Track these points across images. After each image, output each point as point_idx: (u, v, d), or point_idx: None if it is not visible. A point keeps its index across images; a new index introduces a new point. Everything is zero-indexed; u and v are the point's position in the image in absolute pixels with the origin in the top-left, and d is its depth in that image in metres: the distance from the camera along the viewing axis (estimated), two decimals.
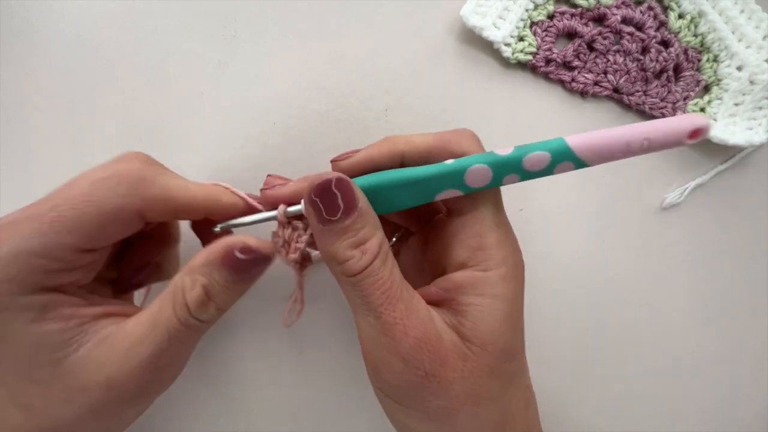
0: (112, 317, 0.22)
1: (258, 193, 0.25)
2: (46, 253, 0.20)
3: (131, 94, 0.33)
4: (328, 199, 0.21)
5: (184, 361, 0.25)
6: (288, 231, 0.23)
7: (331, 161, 0.24)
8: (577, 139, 0.20)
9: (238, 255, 0.21)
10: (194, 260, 0.22)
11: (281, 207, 0.23)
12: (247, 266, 0.22)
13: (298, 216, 0.23)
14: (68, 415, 0.21)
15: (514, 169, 0.21)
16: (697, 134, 0.18)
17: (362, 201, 0.21)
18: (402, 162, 0.23)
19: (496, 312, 0.22)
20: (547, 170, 0.21)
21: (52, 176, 0.33)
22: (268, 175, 0.25)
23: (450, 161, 0.22)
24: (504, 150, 0.21)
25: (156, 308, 0.22)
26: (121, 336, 0.21)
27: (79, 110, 0.33)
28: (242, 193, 0.25)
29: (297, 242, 0.23)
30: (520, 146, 0.21)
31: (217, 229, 0.24)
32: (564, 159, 0.20)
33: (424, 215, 0.28)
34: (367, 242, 0.21)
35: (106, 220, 0.21)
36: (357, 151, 0.23)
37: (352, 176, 0.22)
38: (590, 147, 0.20)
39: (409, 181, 0.22)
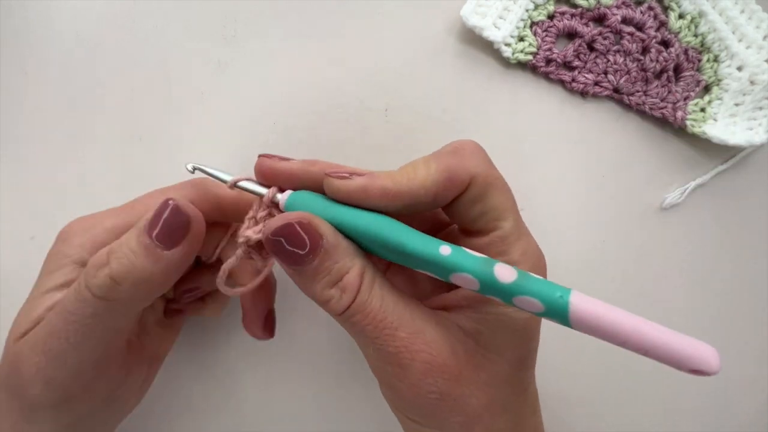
0: None
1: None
2: (113, 229, 0.22)
3: (131, 94, 0.33)
4: (289, 242, 0.19)
5: (96, 381, 0.23)
6: (263, 214, 0.22)
7: (326, 174, 0.21)
8: (580, 305, 0.17)
9: (167, 208, 0.20)
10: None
11: (272, 190, 0.22)
12: (163, 227, 0.20)
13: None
14: None
15: (503, 297, 0.19)
16: (701, 374, 0.17)
17: (328, 235, 0.19)
18: (401, 207, 0.21)
19: (516, 321, 0.21)
20: (536, 314, 0.19)
21: (52, 176, 0.33)
22: (260, 155, 0.23)
23: (446, 252, 0.19)
24: (504, 273, 0.18)
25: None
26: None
27: (79, 110, 0.33)
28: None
29: (260, 225, 0.22)
30: (521, 278, 0.18)
31: (189, 166, 0.23)
32: (555, 317, 0.18)
33: (429, 226, 0.27)
34: (344, 277, 0.19)
35: None
36: (360, 174, 0.20)
37: (345, 198, 0.20)
38: (589, 322, 0.17)
39: (392, 246, 0.20)
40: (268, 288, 0.27)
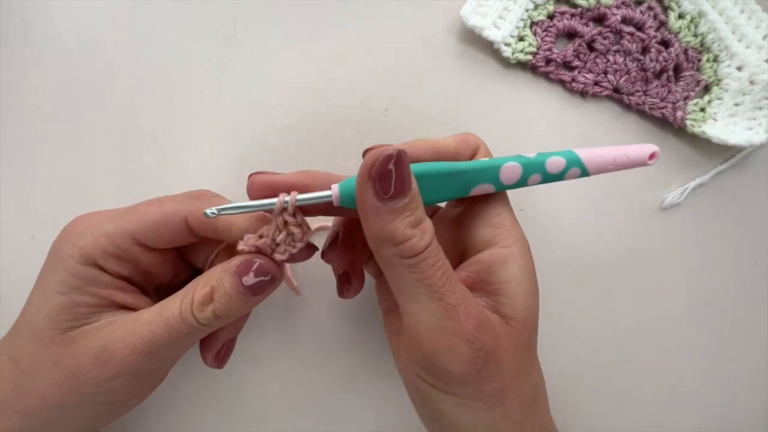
0: (133, 310, 0.24)
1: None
2: (112, 235, 0.24)
3: (131, 94, 0.33)
4: (385, 176, 0.20)
5: (168, 367, 0.26)
6: (282, 234, 0.23)
7: (367, 149, 0.24)
8: (583, 152, 0.24)
9: (255, 264, 0.23)
10: (215, 267, 0.24)
11: (293, 196, 0.22)
12: (254, 279, 0.23)
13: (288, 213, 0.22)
14: (51, 380, 0.23)
15: (539, 170, 0.24)
16: (653, 156, 0.24)
17: (414, 182, 0.21)
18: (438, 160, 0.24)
19: (526, 285, 0.23)
20: (560, 175, 0.24)
21: (52, 176, 0.33)
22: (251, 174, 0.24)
23: (485, 159, 0.24)
24: (528, 154, 0.24)
25: (168, 300, 0.23)
26: (130, 318, 0.23)
27: (79, 110, 0.33)
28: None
29: (289, 245, 0.23)
30: (539, 154, 0.24)
31: (209, 212, 0.22)
32: (574, 166, 0.24)
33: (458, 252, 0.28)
34: (423, 222, 0.21)
35: (160, 221, 0.24)
36: (387, 147, 0.22)
37: None
38: (592, 158, 0.24)
39: (453, 173, 0.23)
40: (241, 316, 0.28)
